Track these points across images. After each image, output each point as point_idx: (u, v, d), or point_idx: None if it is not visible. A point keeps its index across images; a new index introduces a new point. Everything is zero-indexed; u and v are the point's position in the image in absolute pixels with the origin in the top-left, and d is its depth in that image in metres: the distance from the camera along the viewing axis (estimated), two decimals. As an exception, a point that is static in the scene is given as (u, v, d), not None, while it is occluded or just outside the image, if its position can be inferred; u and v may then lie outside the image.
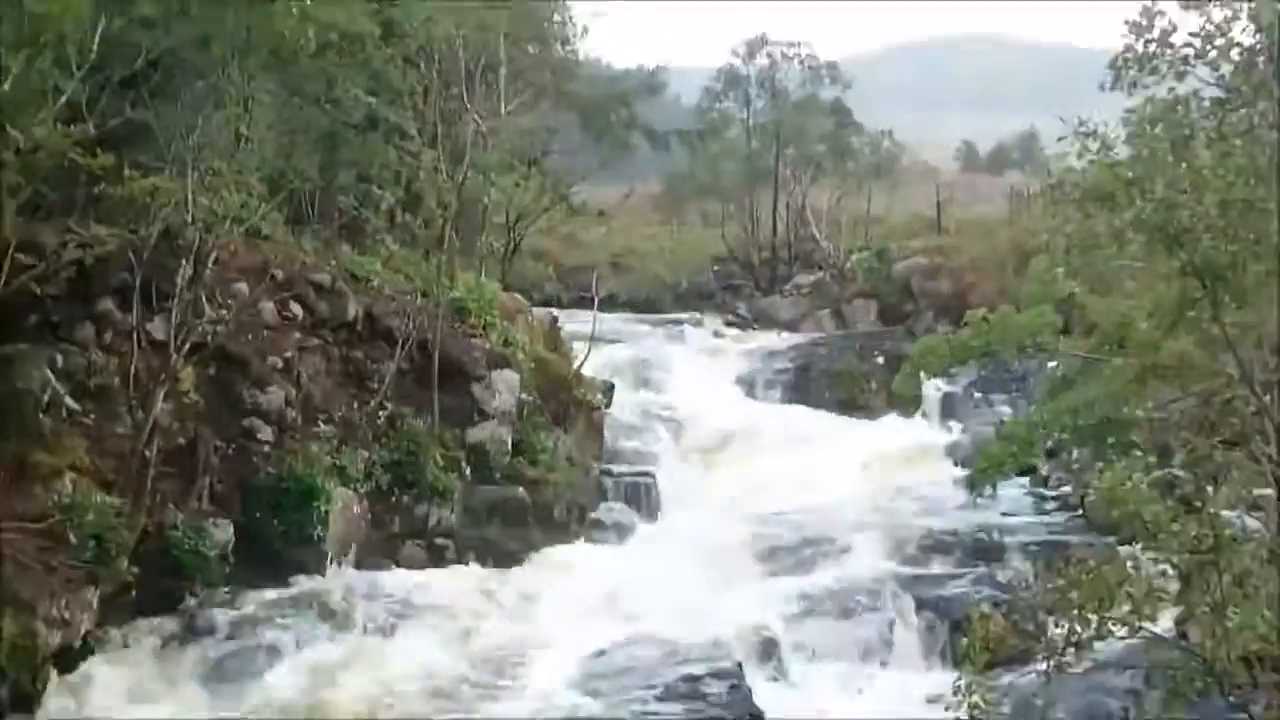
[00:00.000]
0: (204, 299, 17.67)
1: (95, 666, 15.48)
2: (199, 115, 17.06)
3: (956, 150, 77.49)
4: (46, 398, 16.51)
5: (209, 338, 17.80)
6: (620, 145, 40.25)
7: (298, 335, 20.08)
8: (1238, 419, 12.88)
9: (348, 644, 16.67)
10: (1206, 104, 10.40)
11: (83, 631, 15.11)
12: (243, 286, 19.30)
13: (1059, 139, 10.67)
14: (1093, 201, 10.52)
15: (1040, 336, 14.86)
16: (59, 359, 16.99)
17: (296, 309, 20.15)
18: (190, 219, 16.80)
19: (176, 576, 16.62)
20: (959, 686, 10.52)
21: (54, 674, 14.82)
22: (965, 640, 10.67)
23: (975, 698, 10.35)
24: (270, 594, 17.39)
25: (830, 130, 46.57)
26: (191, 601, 16.77)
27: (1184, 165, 10.03)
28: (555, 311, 30.86)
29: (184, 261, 16.98)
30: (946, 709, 10.62)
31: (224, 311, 18.65)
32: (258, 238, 20.05)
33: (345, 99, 20.36)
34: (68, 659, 15.05)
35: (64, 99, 15.05)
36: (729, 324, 39.71)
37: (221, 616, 16.81)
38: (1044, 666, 10.50)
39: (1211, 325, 11.32)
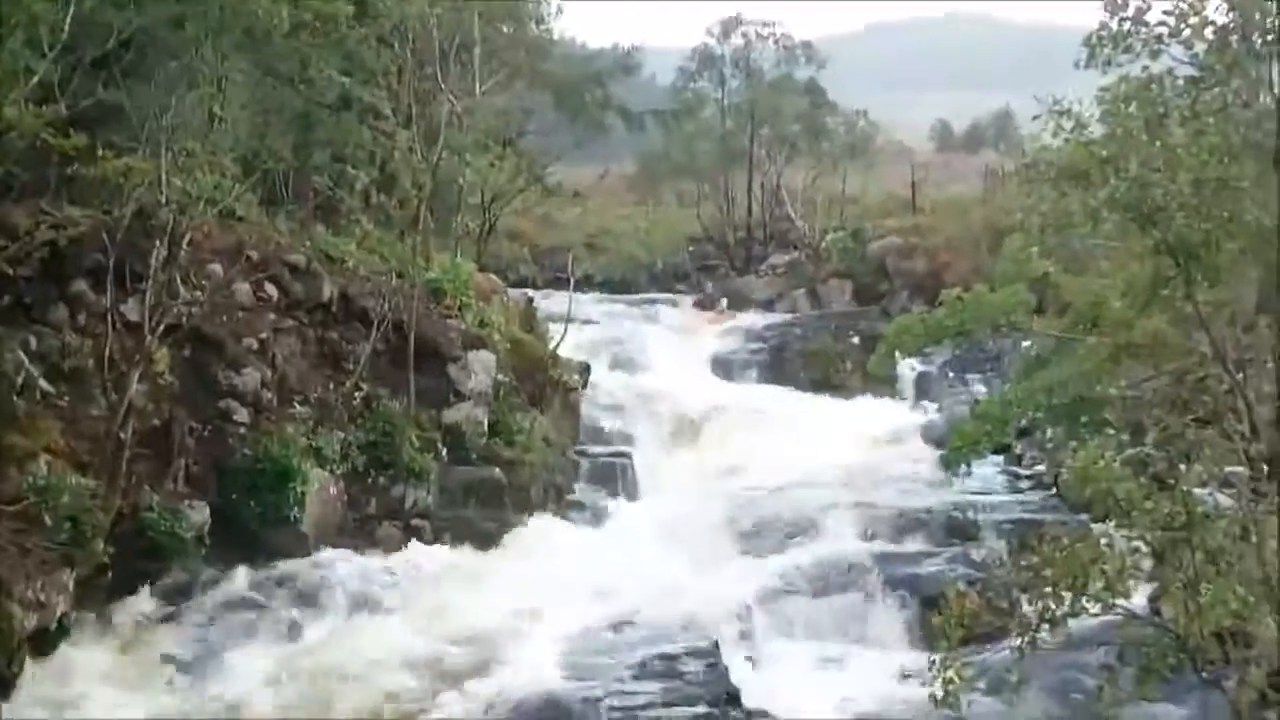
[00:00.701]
0: (178, 280, 17.62)
1: (72, 649, 15.45)
2: (172, 95, 16.97)
3: (931, 129, 77.54)
4: (20, 380, 16.43)
5: (184, 319, 17.74)
6: (595, 125, 40.20)
7: (273, 316, 20.02)
8: (1210, 397, 12.99)
9: (325, 624, 16.69)
10: (1180, 82, 10.47)
11: (59, 614, 15.06)
12: (217, 268, 19.24)
13: (1034, 118, 10.73)
14: (1067, 180, 10.59)
15: (1014, 316, 14.96)
16: (32, 341, 16.91)
17: (271, 290, 20.08)
18: (164, 200, 16.72)
19: (153, 558, 16.59)
20: (934, 663, 10.59)
21: (30, 657, 14.78)
22: (940, 618, 10.71)
23: (950, 673, 10.41)
24: (247, 575, 17.38)
25: (805, 110, 46.60)
26: (168, 583, 16.73)
27: (1158, 143, 10.09)
28: (531, 292, 30.85)
29: (158, 243, 16.91)
30: (922, 685, 10.71)
31: (198, 293, 18.58)
32: (232, 219, 19.99)
33: (319, 79, 20.25)
34: (44, 642, 15.01)
35: (35, 79, 14.96)
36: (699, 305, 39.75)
37: (199, 598, 16.79)
38: (1018, 643, 10.56)
39: (1185, 304, 11.40)
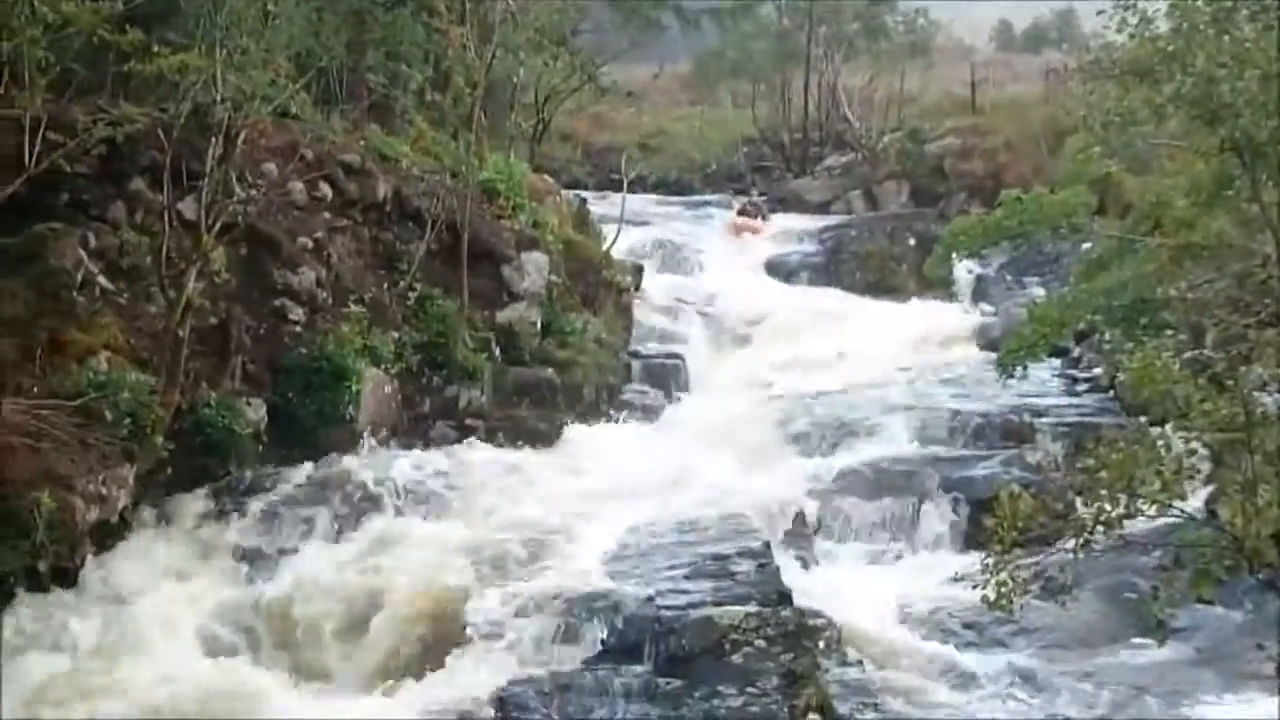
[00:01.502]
0: (233, 179, 17.62)
1: (132, 543, 15.72)
2: (226, -9, 16.89)
3: (992, 28, 76.13)
4: (80, 277, 16.56)
5: (239, 218, 17.79)
6: (650, 24, 39.73)
7: (327, 216, 20.04)
8: (1273, 299, 12.81)
9: (380, 521, 16.83)
10: (1249, -25, 10.22)
11: (120, 507, 15.31)
12: (272, 166, 19.25)
13: (1098, 13, 10.51)
14: (1131, 76, 10.40)
15: (1074, 217, 14.78)
16: (91, 238, 17.00)
17: (326, 189, 20.08)
18: (219, 98, 16.68)
19: (211, 454, 16.79)
20: (987, 565, 10.60)
21: (92, 550, 15.05)
22: (994, 520, 10.70)
23: (1003, 575, 10.43)
24: (304, 472, 17.54)
25: (864, 8, 45.86)
26: (226, 479, 16.94)
27: (1225, 38, 9.88)
28: (584, 193, 30.73)
29: (213, 140, 16.91)
30: (974, 587, 10.72)
31: (253, 191, 18.62)
32: (286, 117, 19.96)
33: (373, -26, 20.11)
34: (105, 535, 15.29)
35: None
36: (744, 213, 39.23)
37: (255, 494, 16.99)
38: (1072, 546, 10.55)
39: (1250, 204, 11.22)
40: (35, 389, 15.20)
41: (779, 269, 31.67)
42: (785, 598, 14.52)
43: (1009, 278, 29.22)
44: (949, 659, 14.25)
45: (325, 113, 21.95)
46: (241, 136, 17.36)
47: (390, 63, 23.62)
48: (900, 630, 15.15)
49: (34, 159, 15.53)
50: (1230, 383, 10.00)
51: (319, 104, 22.02)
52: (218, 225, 16.78)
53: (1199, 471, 10.13)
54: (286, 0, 18.21)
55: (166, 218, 16.82)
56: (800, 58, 44.80)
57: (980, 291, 29.10)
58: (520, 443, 19.80)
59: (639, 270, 26.95)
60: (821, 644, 13.88)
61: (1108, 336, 19.41)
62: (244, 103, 16.98)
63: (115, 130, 16.66)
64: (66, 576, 14.66)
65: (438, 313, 20.18)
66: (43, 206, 16.67)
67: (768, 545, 16.00)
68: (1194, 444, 10.00)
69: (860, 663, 13.82)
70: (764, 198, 40.24)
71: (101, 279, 16.93)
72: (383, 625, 14.43)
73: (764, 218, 35.92)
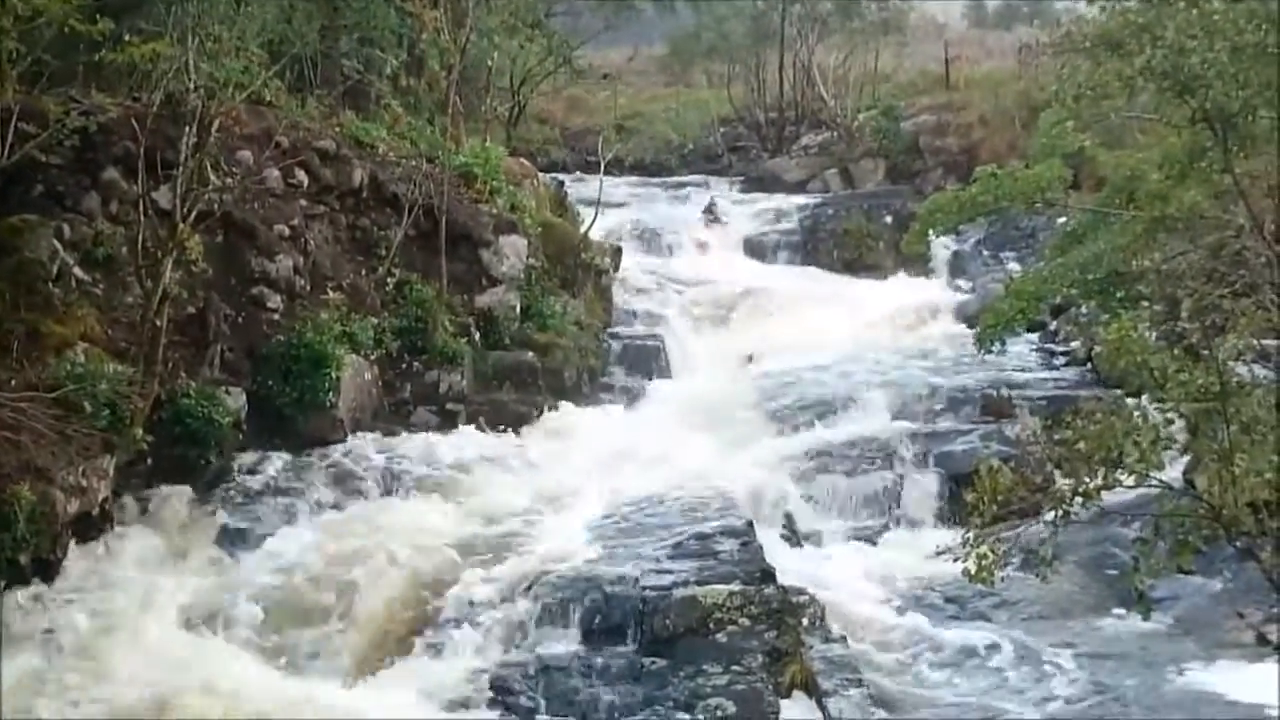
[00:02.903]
0: (208, 167, 17.56)
1: (114, 534, 15.67)
2: (197, -21, 16.84)
3: (965, 5, 76.19)
4: (55, 268, 16.49)
5: (215, 206, 17.72)
6: (624, 6, 39.63)
7: (304, 203, 19.99)
8: (1247, 270, 12.88)
9: (363, 506, 16.86)
10: (1219, -53, 10.24)
11: (100, 499, 15.27)
12: (247, 154, 19.16)
13: (1069, -13, 10.53)
14: (1103, 49, 10.42)
15: (1049, 191, 14.82)
16: (66, 229, 16.93)
17: (302, 176, 20.02)
18: (192, 86, 16.63)
19: (191, 444, 16.72)
20: (967, 539, 10.65)
21: (73, 542, 15.01)
22: (973, 494, 10.74)
23: (983, 548, 10.47)
24: (284, 460, 17.52)
25: (837, -14, 45.80)
26: (207, 468, 16.91)
27: (1195, 10, 9.90)
28: (561, 176, 30.69)
29: (187, 129, 16.84)
30: (955, 561, 10.77)
31: (229, 180, 18.55)
32: (260, 104, 19.89)
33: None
34: (86, 526, 15.23)
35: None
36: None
37: (236, 483, 16.98)
38: (1051, 518, 10.60)
39: (1222, 175, 11.27)
40: (12, 381, 15.13)
41: (757, 249, 31.69)
42: (768, 576, 14.57)
43: (985, 253, 29.30)
44: (931, 633, 14.33)
45: (300, 99, 21.89)
46: (215, 125, 17.28)
47: (364, 48, 23.57)
48: (883, 605, 15.23)
49: (6, 150, 15.47)
50: (1205, 353, 10.06)
51: (293, 90, 21.97)
52: (193, 214, 16.71)
53: (1176, 442, 10.17)
54: (257, -13, 18.18)
55: (141, 207, 16.75)
56: (775, 37, 44.77)
57: (957, 267, 29.17)
58: (501, 426, 19.81)
59: (618, 252, 26.94)
60: (805, 621, 13.93)
61: (1084, 310, 19.55)
62: (217, 90, 16.95)
63: (88, 120, 16.60)
64: (48, 569, 14.60)
65: (416, 298, 20.16)
66: (16, 198, 16.62)
67: (750, 524, 16.05)
68: (1170, 414, 10.05)
69: (843, 639, 13.87)
70: (740, 179, 40.21)
71: (77, 270, 16.86)
72: (366, 610, 14.43)
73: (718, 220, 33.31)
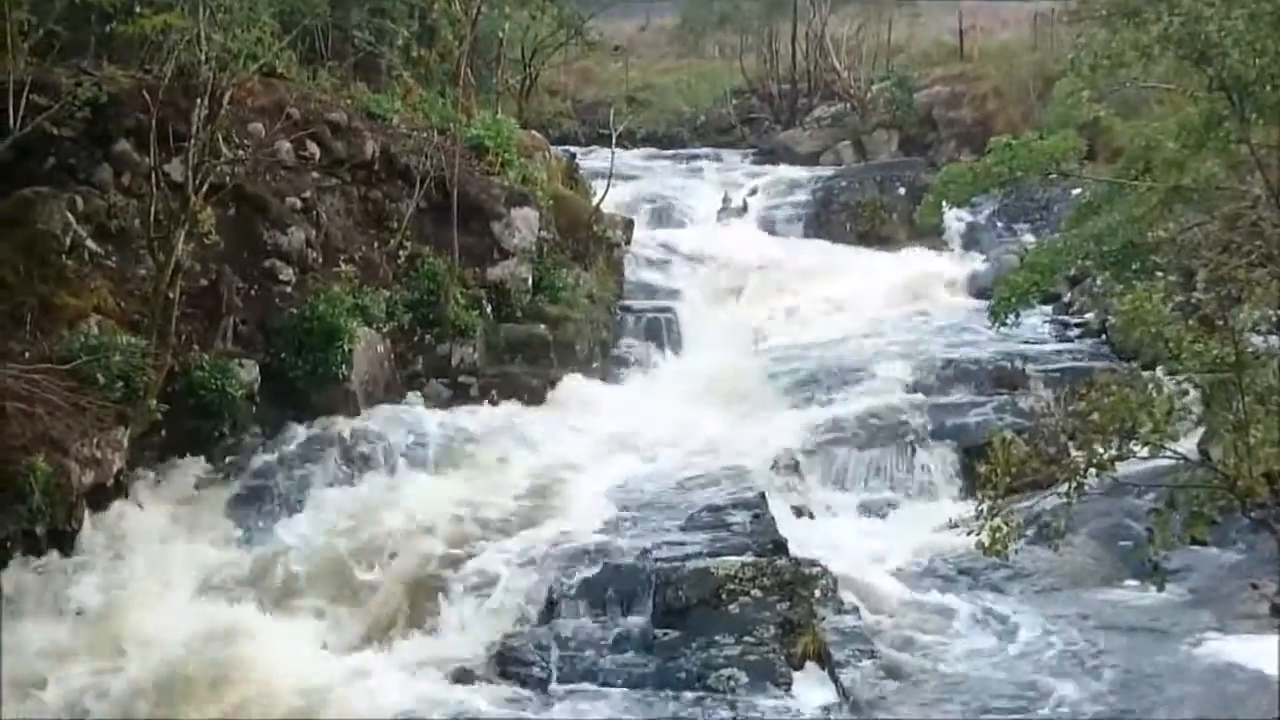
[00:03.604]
0: (220, 139, 17.55)
1: (128, 506, 15.74)
2: (208, -51, 16.78)
3: (980, -24, 75.66)
4: (68, 240, 16.53)
5: (226, 179, 17.72)
6: (636, -23, 39.41)
7: (315, 175, 19.97)
8: (1263, 241, 12.82)
9: (376, 479, 16.92)
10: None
11: (114, 470, 15.33)
12: (258, 126, 19.17)
13: (1085, -45, 10.45)
14: (1119, 17, 10.34)
15: (1064, 162, 14.71)
16: (78, 201, 16.97)
17: (314, 149, 20.00)
18: (203, 57, 16.61)
19: (204, 416, 16.78)
20: (980, 510, 10.63)
21: (88, 513, 15.07)
22: (986, 466, 10.72)
23: (996, 520, 10.46)
24: (297, 432, 17.58)
25: (851, -44, 45.54)
26: (220, 440, 16.95)
27: (1212, -23, 9.82)
28: (573, 148, 30.58)
29: (198, 101, 16.82)
30: (968, 533, 10.75)
31: (240, 152, 18.55)
32: (272, 76, 19.86)
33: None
34: (101, 498, 15.31)
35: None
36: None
37: (250, 455, 17.03)
38: (1065, 489, 10.58)
39: (1239, 145, 11.19)
40: (26, 354, 15.20)
41: (770, 221, 31.54)
42: (781, 547, 14.58)
43: (1000, 225, 29.14)
44: (944, 604, 14.31)
45: (311, 71, 21.87)
46: (227, 97, 17.27)
47: (375, 19, 23.54)
48: (895, 577, 15.20)
49: (18, 123, 15.47)
50: (1221, 324, 10.01)
51: (305, 62, 21.95)
52: (205, 186, 16.72)
53: (1190, 413, 10.14)
54: (269, -43, 18.13)
55: (153, 180, 16.76)
56: (787, 8, 44.51)
57: (971, 239, 29.02)
58: (514, 399, 19.82)
59: (629, 225, 26.83)
60: (817, 592, 13.93)
61: (1099, 281, 19.45)
62: (229, 62, 16.92)
63: (99, 92, 16.60)
64: (63, 540, 14.69)
65: (428, 271, 20.14)
66: (28, 171, 16.64)
67: (763, 496, 16.07)
68: (1185, 385, 10.02)
69: (856, 610, 13.87)
70: (753, 150, 40.08)
71: (90, 242, 16.89)
72: (379, 581, 14.48)
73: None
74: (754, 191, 31.41)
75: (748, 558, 14.19)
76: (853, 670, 12.62)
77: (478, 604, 13.98)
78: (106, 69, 17.15)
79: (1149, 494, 12.99)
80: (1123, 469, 10.49)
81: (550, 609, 13.93)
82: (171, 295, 16.31)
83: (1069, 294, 23.47)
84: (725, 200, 31.24)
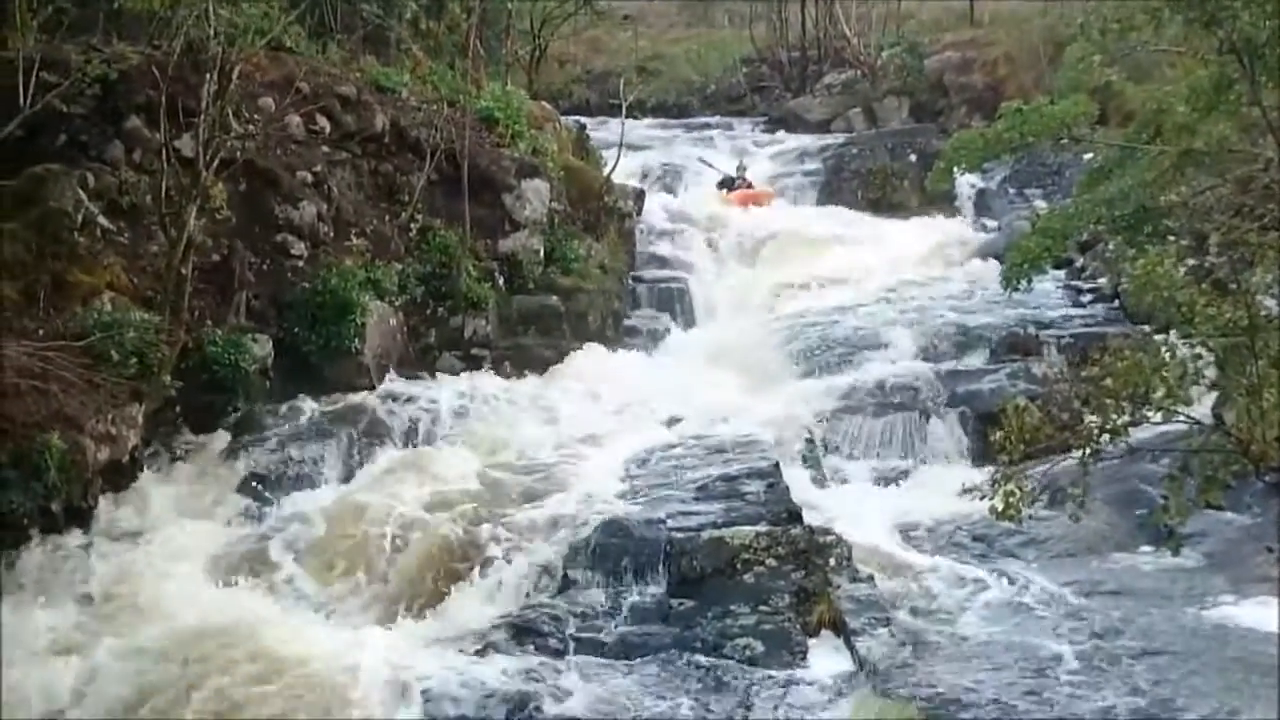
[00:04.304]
0: (230, 114, 17.55)
1: (144, 482, 15.82)
2: (214, -76, 16.75)
3: (990, -59, 75.22)
4: (80, 217, 16.56)
5: (237, 154, 17.74)
6: (644, -54, 39.28)
7: (326, 149, 19.98)
8: (1276, 204, 12.77)
9: (390, 452, 16.96)
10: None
11: (130, 446, 15.39)
12: (268, 101, 19.18)
13: (1095, -82, 10.40)
14: (1129, -20, 10.29)
15: (1075, 127, 14.66)
16: (90, 178, 17.00)
17: (324, 122, 20.01)
18: (212, 32, 16.60)
19: (218, 391, 16.86)
20: (994, 477, 10.65)
21: (104, 489, 15.14)
22: (1000, 433, 10.72)
23: (1010, 486, 10.48)
24: (312, 406, 17.63)
25: (860, -79, 45.34)
26: (234, 416, 17.00)
27: (1223, -61, 9.77)
28: (583, 119, 30.54)
29: (208, 76, 16.83)
30: (982, 499, 10.77)
31: (251, 127, 18.56)
32: (281, 51, 19.85)
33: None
34: (117, 475, 15.38)
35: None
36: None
37: (265, 430, 17.07)
38: (1079, 455, 10.58)
39: (1250, 108, 11.15)
40: (40, 331, 15.26)
41: (781, 189, 31.49)
42: (795, 516, 14.59)
43: (1011, 191, 29.06)
44: (959, 571, 14.31)
45: (320, 45, 21.84)
46: (236, 71, 17.29)
47: (383, -9, 23.46)
48: (909, 545, 15.24)
49: (29, 100, 15.48)
50: (1234, 287, 9.99)
51: (313, 36, 21.93)
52: (216, 162, 16.75)
53: (1204, 377, 10.14)
54: (277, -69, 18.08)
55: (164, 156, 16.78)
56: (796, -25, 44.37)
57: (983, 205, 28.95)
58: (527, 371, 19.87)
59: (640, 195, 26.81)
60: (832, 561, 13.92)
61: (1111, 246, 19.38)
62: (237, 37, 16.91)
63: (109, 69, 16.60)
64: (80, 516, 14.75)
65: (440, 243, 20.15)
66: (40, 148, 16.66)
67: (777, 465, 16.06)
68: (1199, 349, 10.01)
69: (871, 578, 13.86)
70: (763, 119, 39.95)
71: (102, 219, 16.92)
72: (395, 555, 14.51)
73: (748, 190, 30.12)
74: (742, 169, 31.14)
75: (762, 527, 14.21)
76: (868, 638, 12.62)
77: (493, 576, 13.99)
78: (115, 45, 17.13)
79: (1163, 459, 12.96)
80: (1136, 434, 10.50)
81: (565, 580, 13.94)
82: (184, 271, 16.35)
83: (1081, 259, 23.40)
84: (740, 174, 30.95)
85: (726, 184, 30.44)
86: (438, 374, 19.29)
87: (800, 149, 33.66)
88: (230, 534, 15.10)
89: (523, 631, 13.13)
